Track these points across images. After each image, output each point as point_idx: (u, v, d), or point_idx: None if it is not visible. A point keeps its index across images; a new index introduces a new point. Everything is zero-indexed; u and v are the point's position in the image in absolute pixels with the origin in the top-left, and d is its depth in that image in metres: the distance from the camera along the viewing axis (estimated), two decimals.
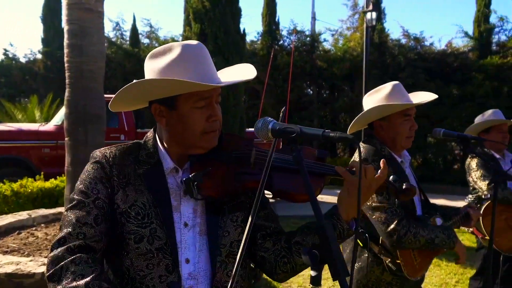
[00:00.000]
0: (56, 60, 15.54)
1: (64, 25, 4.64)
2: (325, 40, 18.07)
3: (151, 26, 15.08)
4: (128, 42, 14.50)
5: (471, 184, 3.31)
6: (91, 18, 4.52)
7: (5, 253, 3.98)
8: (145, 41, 15.08)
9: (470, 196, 2.79)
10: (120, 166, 1.26)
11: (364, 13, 8.92)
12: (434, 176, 11.85)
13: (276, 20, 13.54)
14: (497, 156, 3.33)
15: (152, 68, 1.24)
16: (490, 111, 3.45)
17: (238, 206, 1.31)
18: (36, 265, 3.44)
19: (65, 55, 4.58)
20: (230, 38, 7.25)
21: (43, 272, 3.35)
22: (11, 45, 32.89)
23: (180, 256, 1.22)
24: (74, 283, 1.04)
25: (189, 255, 1.23)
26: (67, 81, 4.59)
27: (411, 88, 2.53)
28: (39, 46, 21.72)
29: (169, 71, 1.21)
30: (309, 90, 13.93)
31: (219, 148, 1.31)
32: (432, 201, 2.45)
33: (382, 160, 1.29)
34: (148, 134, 1.36)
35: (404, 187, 1.41)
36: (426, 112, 11.96)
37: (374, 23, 8.97)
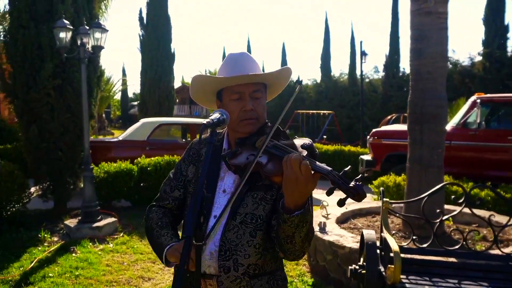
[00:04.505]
0: (495, 60, 15.17)
1: (410, 32, 4.95)
2: None
3: None
4: None
5: None
6: (430, 21, 4.58)
7: (352, 229, 4.87)
8: None
9: None
10: (196, 149, 1.69)
11: None
12: None
13: None
14: None
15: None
16: None
17: (261, 186, 1.53)
18: (352, 240, 4.16)
19: (409, 59, 4.92)
20: None
21: (350, 247, 4.03)
22: (453, 51, 33.88)
23: (212, 212, 1.55)
24: (149, 221, 1.65)
25: (217, 213, 1.54)
26: (410, 83, 4.92)
27: None
28: (479, 48, 21.55)
29: (218, 72, 1.62)
30: None
31: (255, 134, 1.54)
32: None
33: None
34: None
35: (349, 186, 1.18)
36: None
37: None
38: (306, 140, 1.43)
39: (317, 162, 1.28)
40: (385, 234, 3.46)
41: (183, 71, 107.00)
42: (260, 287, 1.51)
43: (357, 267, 3.44)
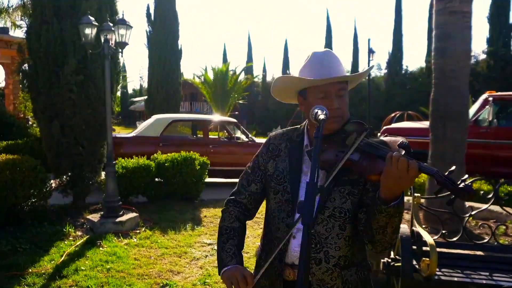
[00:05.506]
0: (499, 59, 15.26)
1: (434, 31, 5.05)
2: None
3: None
4: None
5: None
6: (454, 20, 4.67)
7: None
8: None
9: None
10: (275, 144, 1.75)
11: None
12: None
13: None
14: None
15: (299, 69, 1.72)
16: None
17: (347, 181, 1.57)
18: None
19: (432, 58, 5.01)
20: None
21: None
22: None
23: None
24: (222, 222, 1.77)
25: None
26: (433, 81, 5.01)
27: None
28: (483, 46, 21.61)
29: (302, 70, 1.66)
30: None
31: (340, 131, 1.59)
32: None
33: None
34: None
35: (460, 187, 1.23)
36: None
37: None
38: (401, 138, 1.45)
39: (420, 162, 1.31)
40: (418, 228, 3.56)
41: (183, 67, 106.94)
42: (350, 277, 1.59)
43: (390, 260, 3.54)
